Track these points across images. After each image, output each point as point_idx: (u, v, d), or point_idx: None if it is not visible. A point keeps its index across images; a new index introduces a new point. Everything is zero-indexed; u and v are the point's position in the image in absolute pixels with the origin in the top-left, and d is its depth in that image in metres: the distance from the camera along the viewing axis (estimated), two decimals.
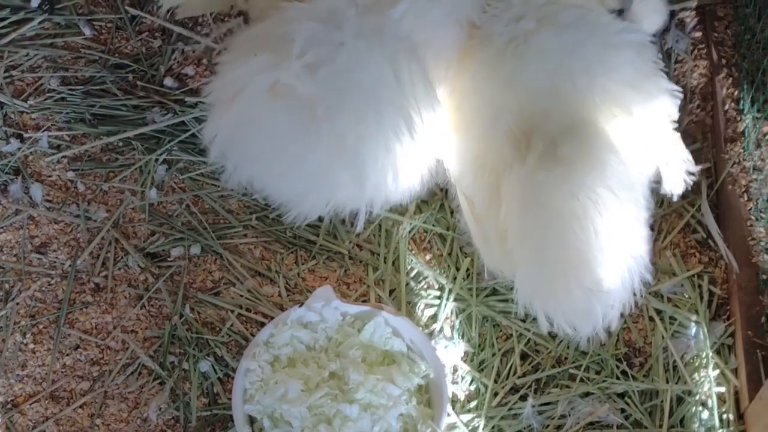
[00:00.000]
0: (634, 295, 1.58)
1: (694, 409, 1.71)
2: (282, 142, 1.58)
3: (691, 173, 1.66)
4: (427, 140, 1.63)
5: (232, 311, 1.77)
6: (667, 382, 1.72)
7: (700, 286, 1.80)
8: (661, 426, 1.69)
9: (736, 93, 1.90)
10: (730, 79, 1.92)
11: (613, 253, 1.52)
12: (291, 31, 1.54)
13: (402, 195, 1.70)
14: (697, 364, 1.74)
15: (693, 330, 1.76)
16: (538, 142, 1.54)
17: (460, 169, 1.64)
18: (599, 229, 1.49)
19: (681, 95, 1.65)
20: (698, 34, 1.99)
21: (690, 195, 1.85)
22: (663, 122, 1.64)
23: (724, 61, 1.94)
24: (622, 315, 1.65)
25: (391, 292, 1.79)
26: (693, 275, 1.81)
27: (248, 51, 1.59)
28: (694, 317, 1.77)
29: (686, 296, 1.79)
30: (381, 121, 1.57)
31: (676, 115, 1.65)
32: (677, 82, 1.94)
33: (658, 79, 1.63)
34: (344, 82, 1.54)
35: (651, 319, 1.78)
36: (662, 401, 1.71)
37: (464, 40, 1.65)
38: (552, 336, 1.73)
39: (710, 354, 1.74)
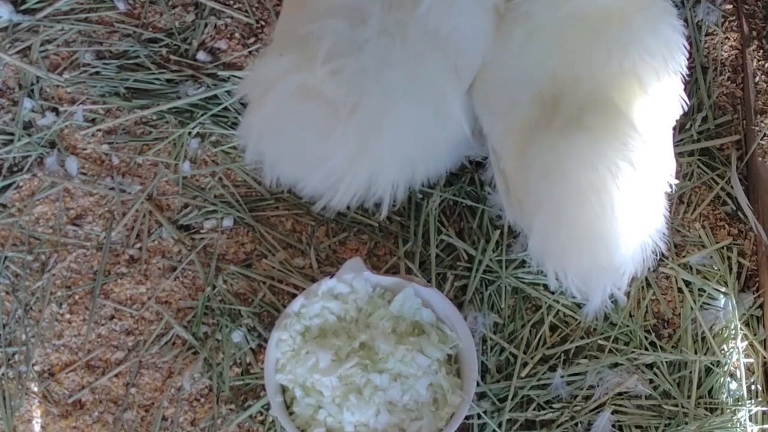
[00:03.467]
0: (649, 269, 1.59)
1: (722, 379, 1.71)
2: (308, 142, 1.59)
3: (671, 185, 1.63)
4: (454, 132, 1.64)
5: (264, 282, 1.79)
6: (696, 353, 1.73)
7: (729, 258, 1.80)
8: (689, 396, 1.70)
9: (766, 65, 1.89)
10: (761, 51, 1.91)
11: (628, 227, 1.52)
12: (316, 31, 1.54)
13: (428, 177, 1.72)
14: (725, 335, 1.75)
15: (722, 301, 1.77)
16: (564, 108, 1.54)
17: (490, 125, 1.64)
18: (616, 202, 1.49)
19: (687, 107, 1.63)
20: (729, 7, 1.98)
21: (720, 167, 1.85)
22: (662, 127, 1.62)
23: (754, 33, 1.93)
24: (632, 285, 1.67)
25: (421, 264, 1.80)
26: (722, 247, 1.81)
27: (274, 49, 1.59)
28: (723, 289, 1.77)
29: (715, 268, 1.79)
30: (404, 118, 1.57)
31: (673, 123, 1.63)
32: (707, 55, 1.94)
33: (677, 78, 1.62)
34: (368, 81, 1.54)
35: (680, 290, 1.79)
36: (690, 372, 1.72)
37: (494, 24, 1.64)
38: (581, 308, 1.74)
39: (739, 325, 1.75)
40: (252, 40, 1.99)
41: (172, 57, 1.98)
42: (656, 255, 1.59)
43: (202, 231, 1.84)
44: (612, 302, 1.66)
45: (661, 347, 1.74)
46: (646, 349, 1.73)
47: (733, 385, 1.72)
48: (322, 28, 1.53)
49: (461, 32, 1.59)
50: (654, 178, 1.55)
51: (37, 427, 1.71)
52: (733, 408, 1.70)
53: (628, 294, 1.76)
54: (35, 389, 1.74)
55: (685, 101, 1.61)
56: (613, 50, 1.57)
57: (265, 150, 1.64)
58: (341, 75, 1.52)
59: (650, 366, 1.73)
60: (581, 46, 1.59)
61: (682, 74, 1.60)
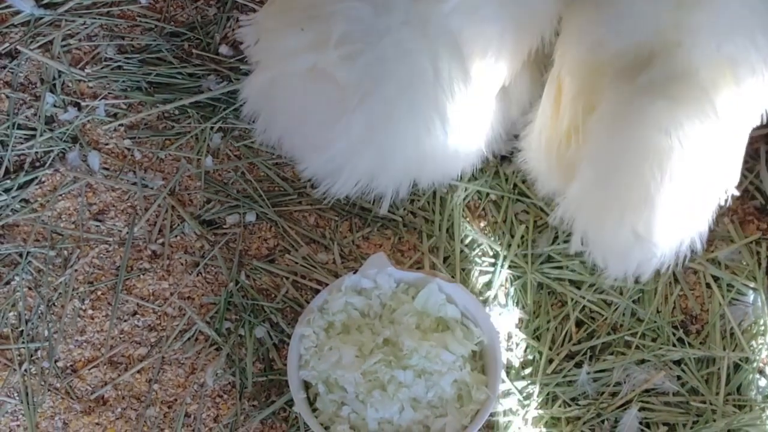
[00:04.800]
0: (679, 259, 1.56)
1: (751, 376, 1.69)
2: (314, 124, 1.58)
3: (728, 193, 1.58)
4: (466, 132, 1.61)
5: (287, 278, 1.78)
6: (724, 349, 1.71)
7: (758, 252, 1.78)
8: (717, 393, 1.68)
9: None
10: None
11: (677, 207, 1.48)
12: (340, 12, 1.52)
13: (436, 180, 1.70)
14: (754, 331, 1.73)
15: (751, 297, 1.75)
16: (654, 70, 1.49)
17: (567, 49, 1.59)
18: (675, 175, 1.44)
19: None
20: None
21: (748, 161, 1.83)
22: (738, 130, 1.57)
23: None
24: (659, 281, 1.66)
25: (445, 259, 1.79)
26: (751, 242, 1.79)
27: (297, 22, 1.57)
28: (752, 284, 1.75)
29: (744, 263, 1.77)
30: (414, 114, 1.55)
31: (748, 131, 1.58)
32: None
33: None
34: (382, 71, 1.52)
35: (708, 286, 1.77)
36: (719, 368, 1.70)
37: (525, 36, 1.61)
38: (607, 303, 1.73)
39: None
40: None
41: (194, 51, 1.97)
42: (687, 254, 1.56)
43: (224, 226, 1.83)
44: (637, 298, 1.63)
45: (688, 343, 1.72)
46: (674, 345, 1.71)
47: (762, 382, 1.70)
48: (347, 10, 1.51)
49: (486, 39, 1.57)
50: (715, 175, 1.51)
51: (59, 423, 1.71)
52: (763, 405, 1.68)
53: (655, 290, 1.74)
54: (58, 385, 1.73)
55: None
56: (721, 31, 1.52)
57: (266, 116, 1.63)
58: (356, 61, 1.50)
59: (678, 362, 1.71)
60: (702, 14, 1.53)
61: None
